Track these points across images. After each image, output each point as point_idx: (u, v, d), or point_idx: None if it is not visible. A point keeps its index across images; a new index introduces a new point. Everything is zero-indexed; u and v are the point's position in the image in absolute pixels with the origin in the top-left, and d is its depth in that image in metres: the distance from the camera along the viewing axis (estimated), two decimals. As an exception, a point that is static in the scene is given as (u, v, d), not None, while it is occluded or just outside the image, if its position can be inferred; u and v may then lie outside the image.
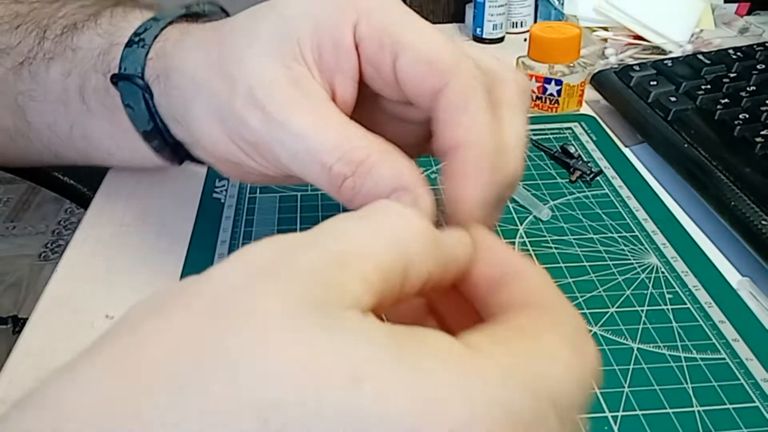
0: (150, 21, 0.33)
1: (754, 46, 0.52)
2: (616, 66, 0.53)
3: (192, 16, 0.34)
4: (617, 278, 0.34)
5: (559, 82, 0.48)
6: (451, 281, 0.19)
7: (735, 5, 0.67)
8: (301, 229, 0.36)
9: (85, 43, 0.35)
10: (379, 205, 0.18)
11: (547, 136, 0.46)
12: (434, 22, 0.71)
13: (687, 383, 0.28)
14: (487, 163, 0.24)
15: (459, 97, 0.24)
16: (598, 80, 0.51)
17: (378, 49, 0.25)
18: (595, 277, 0.34)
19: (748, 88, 0.45)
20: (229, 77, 0.27)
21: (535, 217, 0.38)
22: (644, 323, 0.31)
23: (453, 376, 0.14)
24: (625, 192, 0.40)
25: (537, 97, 0.49)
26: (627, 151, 0.45)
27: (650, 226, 0.37)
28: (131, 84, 0.32)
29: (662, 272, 0.34)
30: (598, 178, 0.42)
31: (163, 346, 0.14)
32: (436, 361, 0.14)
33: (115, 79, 0.33)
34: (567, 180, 0.42)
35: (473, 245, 0.20)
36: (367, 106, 0.28)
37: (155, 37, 0.32)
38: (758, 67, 0.49)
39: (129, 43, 0.33)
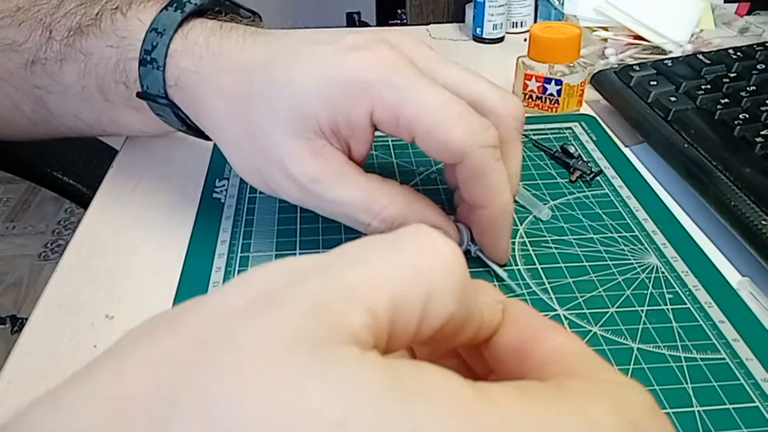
0: (152, 33, 0.34)
1: (754, 46, 0.52)
2: (616, 66, 0.53)
3: (188, 17, 0.34)
4: (617, 278, 0.34)
5: (559, 82, 0.48)
6: (471, 339, 0.18)
7: (735, 5, 0.67)
8: (301, 230, 0.37)
9: (95, 50, 0.35)
10: (408, 230, 0.17)
11: (547, 136, 0.46)
12: (434, 22, 0.71)
13: (687, 383, 0.28)
14: (509, 216, 0.31)
15: (476, 169, 0.29)
16: (598, 80, 0.51)
17: (395, 129, 0.29)
18: (595, 277, 0.34)
19: (748, 88, 0.45)
20: (259, 146, 0.31)
21: (535, 217, 0.38)
22: (644, 323, 0.31)
23: (444, 421, 0.13)
24: (625, 192, 0.40)
25: (537, 97, 0.49)
26: (627, 151, 0.45)
27: (650, 226, 0.37)
28: (157, 103, 0.35)
29: (662, 272, 0.34)
30: (598, 178, 0.42)
31: (146, 377, 0.13)
32: (432, 404, 0.13)
33: (141, 97, 0.35)
34: (567, 180, 0.42)
35: (503, 309, 0.19)
36: None
37: (165, 55, 0.33)
38: (758, 67, 0.49)
39: (142, 62, 0.34)
